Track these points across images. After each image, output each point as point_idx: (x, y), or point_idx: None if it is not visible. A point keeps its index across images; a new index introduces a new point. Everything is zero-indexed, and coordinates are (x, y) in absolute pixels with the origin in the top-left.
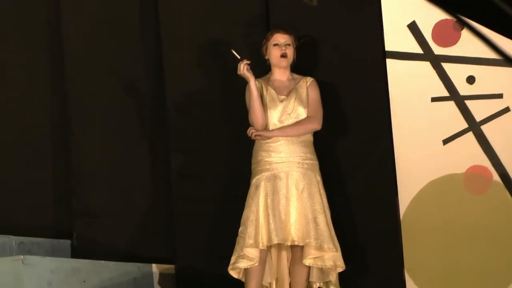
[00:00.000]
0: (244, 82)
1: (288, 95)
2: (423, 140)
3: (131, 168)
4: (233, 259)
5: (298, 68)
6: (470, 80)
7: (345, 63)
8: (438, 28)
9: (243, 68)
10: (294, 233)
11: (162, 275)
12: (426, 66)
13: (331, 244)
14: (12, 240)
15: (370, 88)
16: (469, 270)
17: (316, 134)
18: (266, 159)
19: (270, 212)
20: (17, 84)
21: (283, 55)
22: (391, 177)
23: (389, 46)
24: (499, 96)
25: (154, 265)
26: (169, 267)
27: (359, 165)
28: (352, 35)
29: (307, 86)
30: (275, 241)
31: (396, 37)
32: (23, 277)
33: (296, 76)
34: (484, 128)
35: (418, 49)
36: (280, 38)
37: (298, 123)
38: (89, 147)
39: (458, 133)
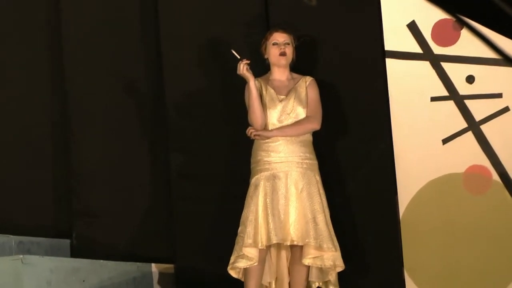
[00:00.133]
0: (244, 82)
1: (287, 95)
2: (423, 140)
3: (131, 168)
4: (232, 258)
5: (298, 67)
6: (470, 79)
7: (344, 62)
8: (437, 28)
9: (243, 68)
10: (293, 233)
11: (161, 274)
12: (425, 66)
13: (330, 243)
14: (12, 239)
15: (369, 87)
16: (468, 269)
17: (315, 134)
18: (266, 159)
19: (269, 212)
20: (17, 84)
21: (282, 54)
22: (391, 177)
23: (388, 45)
24: (499, 95)
25: (153, 265)
26: (168, 267)
27: (358, 165)
28: (352, 35)
29: (307, 85)
30: (274, 240)
31: (395, 37)
32: (22, 277)
33: (295, 75)
34: (484, 127)
35: (417, 49)
36: (279, 37)
37: (297, 123)
38: (89, 147)
39: (458, 132)
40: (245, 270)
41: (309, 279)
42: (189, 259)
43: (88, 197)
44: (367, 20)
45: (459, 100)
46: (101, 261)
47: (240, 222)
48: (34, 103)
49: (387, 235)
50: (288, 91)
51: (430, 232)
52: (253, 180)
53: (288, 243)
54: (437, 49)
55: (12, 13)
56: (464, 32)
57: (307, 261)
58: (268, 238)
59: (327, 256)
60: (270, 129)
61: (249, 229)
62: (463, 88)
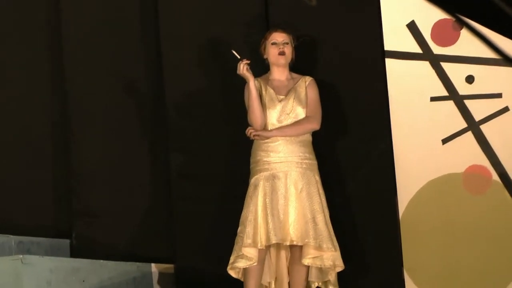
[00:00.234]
0: (243, 82)
1: (287, 95)
2: (423, 140)
3: (131, 168)
4: (232, 258)
5: (298, 67)
6: (469, 79)
7: (344, 62)
8: (437, 28)
9: (243, 68)
10: (293, 233)
11: (161, 274)
12: (425, 66)
13: (330, 243)
14: (12, 239)
15: (369, 87)
16: (468, 269)
17: (315, 134)
18: (265, 159)
19: (268, 212)
20: (17, 84)
21: (281, 53)
22: (391, 177)
23: (388, 45)
24: (498, 95)
25: (153, 265)
26: (168, 267)
27: (358, 165)
28: (352, 35)
29: (306, 85)
30: (274, 240)
31: (395, 37)
32: (22, 277)
33: (295, 75)
34: (483, 127)
35: (417, 49)
36: (278, 37)
37: (297, 123)
38: (89, 147)
39: (457, 132)
40: (245, 270)
41: (309, 279)
42: (189, 259)
43: (88, 197)
44: (367, 20)
45: (459, 100)
46: (101, 261)
47: (240, 222)
48: (34, 103)
49: (386, 235)
50: (288, 91)
51: (430, 232)
52: (252, 180)
53: (288, 243)
54: (436, 49)
55: (12, 13)
56: (464, 32)
57: (306, 261)
58: (268, 238)
59: (327, 256)
60: (269, 129)
61: (249, 229)
62: (462, 88)
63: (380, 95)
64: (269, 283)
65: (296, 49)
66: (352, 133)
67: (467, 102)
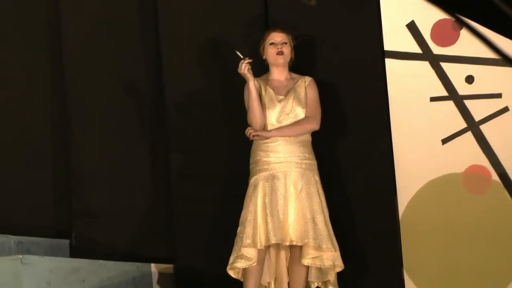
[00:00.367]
0: (243, 82)
1: (286, 95)
2: (422, 140)
3: (131, 168)
4: (231, 259)
5: (297, 67)
6: (469, 79)
7: (344, 62)
8: (437, 28)
9: (244, 68)
10: (292, 233)
11: (161, 274)
12: (425, 66)
13: (329, 243)
14: (11, 239)
15: (369, 87)
16: (468, 269)
17: (315, 134)
18: (264, 159)
19: (268, 212)
20: (17, 84)
21: (279, 53)
22: (390, 177)
23: (388, 45)
24: (498, 95)
25: (153, 265)
26: (168, 267)
27: (358, 165)
28: (351, 35)
29: (306, 86)
30: (273, 241)
31: (395, 37)
32: (22, 277)
33: (294, 75)
34: (483, 127)
35: (417, 49)
36: (276, 37)
37: (296, 123)
38: (89, 147)
39: (457, 132)
40: (244, 270)
41: (308, 279)
42: (188, 259)
43: (88, 197)
44: (367, 20)
45: (459, 100)
46: (101, 261)
47: (239, 223)
48: (34, 103)
49: (386, 235)
50: (287, 91)
51: (430, 232)
52: (252, 181)
53: (287, 243)
54: (436, 49)
55: (12, 13)
56: (464, 32)
57: (306, 261)
58: (267, 238)
59: (327, 256)
60: (269, 129)
61: (248, 230)
62: (462, 88)
63: (380, 95)
64: (269, 283)
65: (296, 49)
66: (352, 133)
67: (467, 102)
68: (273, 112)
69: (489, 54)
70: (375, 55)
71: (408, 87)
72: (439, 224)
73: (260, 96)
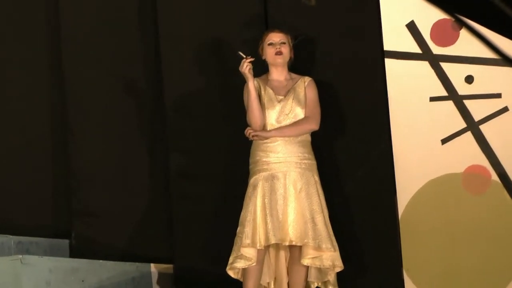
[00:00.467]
0: (243, 82)
1: (286, 95)
2: (422, 140)
3: (130, 168)
4: (231, 259)
5: (297, 67)
6: (469, 79)
7: (343, 62)
8: (436, 28)
9: (246, 67)
10: (292, 233)
11: (160, 274)
12: (424, 66)
13: (329, 244)
14: (11, 239)
15: (368, 87)
16: (467, 269)
17: (315, 134)
18: (264, 159)
19: (267, 212)
20: (17, 84)
21: (278, 53)
22: (390, 177)
23: (387, 45)
24: (498, 95)
25: (152, 265)
26: (167, 267)
27: (358, 165)
28: (351, 35)
29: (305, 86)
30: (273, 241)
31: (394, 37)
32: (21, 277)
33: (294, 75)
34: (483, 127)
35: (416, 49)
36: (275, 37)
37: (296, 123)
38: (88, 147)
39: (457, 132)
40: (244, 271)
41: (308, 279)
42: (188, 259)
43: (87, 197)
44: (366, 20)
45: (458, 100)
46: (100, 261)
47: (239, 223)
48: (33, 103)
49: (386, 235)
50: (287, 92)
51: (429, 232)
52: (251, 181)
53: (287, 244)
54: (436, 49)
55: (11, 14)
56: (463, 32)
57: (306, 261)
58: (267, 238)
59: (326, 256)
60: (268, 129)
61: (247, 230)
62: (462, 88)
63: (379, 95)
64: (268, 283)
65: (296, 49)
66: (351, 133)
67: (467, 102)
68: (273, 112)
69: (488, 54)
70: (375, 55)
71: (407, 87)
72: (439, 224)
73: (259, 96)
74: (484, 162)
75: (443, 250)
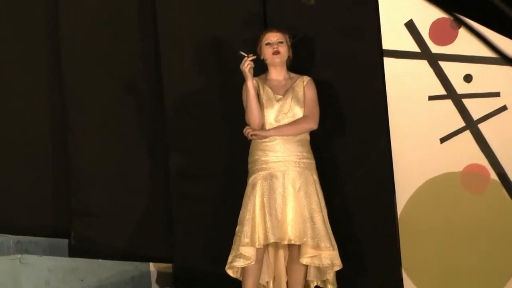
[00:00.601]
0: (242, 81)
1: (284, 94)
2: (421, 139)
3: (130, 168)
4: (230, 258)
5: (296, 67)
6: (467, 78)
7: (342, 61)
8: (435, 27)
9: (246, 66)
10: (291, 232)
11: (159, 274)
12: (423, 65)
13: (328, 242)
14: (10, 239)
15: (367, 86)
16: (466, 268)
17: (313, 133)
18: (263, 158)
19: (266, 211)
20: (17, 84)
21: (275, 52)
22: (389, 176)
23: (386, 44)
24: (496, 94)
25: (151, 264)
26: (166, 266)
27: (357, 164)
28: (350, 34)
29: (304, 85)
30: (272, 240)
31: (393, 36)
32: (20, 276)
33: (293, 75)
34: (482, 126)
35: (415, 48)
36: (272, 37)
37: (294, 122)
38: (88, 147)
39: (456, 131)
40: (243, 270)
41: (307, 278)
42: (187, 258)
43: (87, 196)
44: (365, 19)
45: (457, 99)
46: (99, 260)
47: (238, 222)
48: (33, 103)
49: (385, 234)
50: (286, 91)
51: (428, 231)
52: (250, 180)
53: (286, 243)
54: (435, 48)
55: (11, 14)
56: (462, 31)
57: (304, 260)
58: (266, 237)
59: (325, 255)
60: (267, 128)
61: (246, 229)
62: (461, 87)
63: (378, 94)
64: (267, 282)
65: (294, 49)
66: (350, 132)
67: (465, 101)
68: (271, 112)
69: (487, 53)
70: (374, 54)
71: (406, 86)
72: (438, 223)
73: (258, 95)
74: (483, 161)
75: (442, 249)
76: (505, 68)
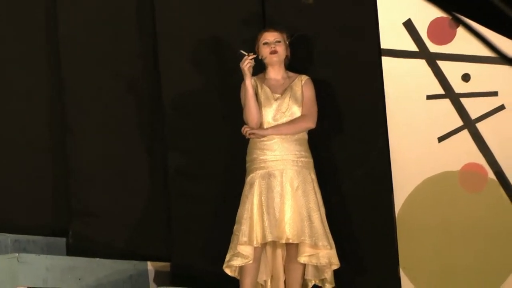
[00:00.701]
0: (241, 81)
1: (283, 93)
2: (419, 138)
3: (129, 167)
4: (227, 257)
5: (294, 66)
6: (466, 77)
7: (340, 61)
8: (433, 26)
9: (246, 64)
10: (289, 231)
11: (157, 272)
12: (421, 64)
13: (325, 241)
14: (8, 237)
15: (365, 86)
16: (464, 267)
17: (312, 132)
18: (261, 157)
19: (264, 210)
20: (17, 84)
21: (273, 52)
22: (387, 175)
23: (384, 44)
24: (494, 94)
25: (149, 263)
26: (164, 265)
27: (355, 163)
28: (348, 33)
29: (302, 84)
30: (269, 238)
31: (391, 35)
32: (18, 275)
33: (291, 74)
34: (479, 125)
35: (413, 47)
36: (269, 36)
37: (292, 121)
38: (87, 146)
39: (453, 130)
40: (241, 268)
41: (305, 277)
42: (185, 257)
43: (85, 195)
44: (363, 18)
45: (455, 98)
46: (97, 259)
47: (236, 221)
48: (32, 103)
49: (383, 233)
50: (284, 90)
51: (426, 230)
52: (248, 179)
53: (284, 241)
54: (433, 47)
55: (10, 14)
56: (460, 31)
57: (302, 259)
58: (263, 236)
59: (323, 254)
60: (265, 127)
61: (244, 227)
62: (459, 86)
63: (376, 93)
64: (265, 281)
65: (293, 48)
66: (348, 131)
67: (463, 100)
68: (269, 110)
69: (485, 52)
70: (372, 53)
71: (404, 85)
72: (436, 222)
73: (256, 94)
74: (480, 160)
75: (440, 247)
76: (503, 68)
